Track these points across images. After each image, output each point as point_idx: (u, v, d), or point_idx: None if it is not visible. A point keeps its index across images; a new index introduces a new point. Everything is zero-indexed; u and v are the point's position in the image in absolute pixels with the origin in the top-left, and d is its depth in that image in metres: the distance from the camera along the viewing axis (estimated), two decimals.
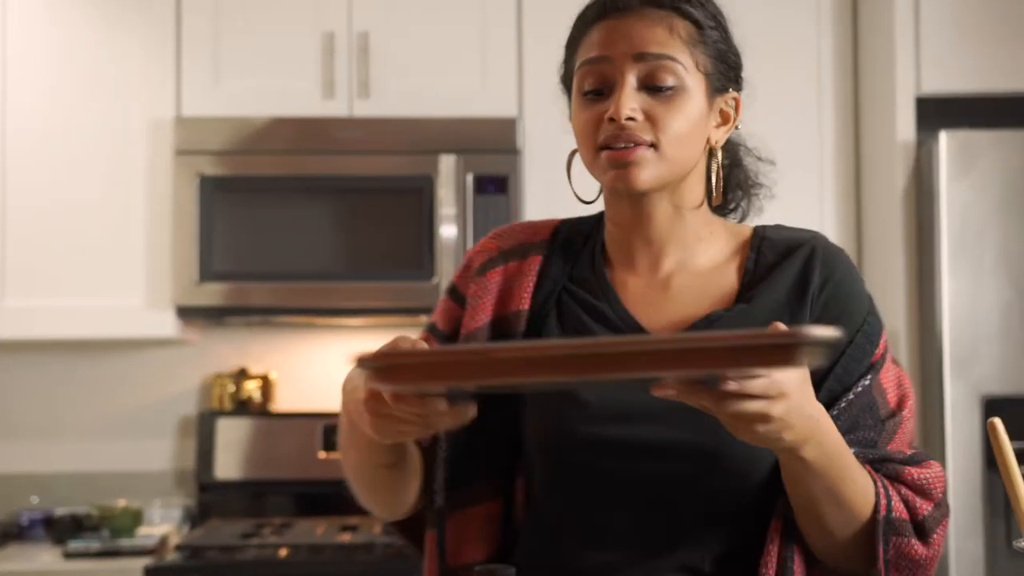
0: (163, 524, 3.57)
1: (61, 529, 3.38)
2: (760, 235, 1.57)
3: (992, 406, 3.04)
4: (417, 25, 3.50)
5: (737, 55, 1.59)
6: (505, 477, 1.54)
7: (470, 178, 3.38)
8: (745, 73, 1.63)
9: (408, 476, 1.50)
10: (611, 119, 1.43)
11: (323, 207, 3.43)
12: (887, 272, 3.34)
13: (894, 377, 1.47)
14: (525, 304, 1.53)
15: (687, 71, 1.46)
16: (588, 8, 1.53)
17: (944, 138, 3.11)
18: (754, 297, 1.48)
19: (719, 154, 1.55)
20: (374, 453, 1.43)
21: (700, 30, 1.50)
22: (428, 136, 3.42)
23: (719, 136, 1.55)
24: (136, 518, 3.37)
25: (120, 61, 3.47)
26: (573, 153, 1.57)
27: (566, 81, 1.57)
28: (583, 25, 1.52)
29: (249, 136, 3.41)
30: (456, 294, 1.60)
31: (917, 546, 1.37)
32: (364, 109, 3.48)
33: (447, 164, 3.38)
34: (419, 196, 3.37)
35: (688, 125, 1.46)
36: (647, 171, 1.44)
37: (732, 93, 1.56)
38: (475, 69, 3.48)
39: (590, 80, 1.48)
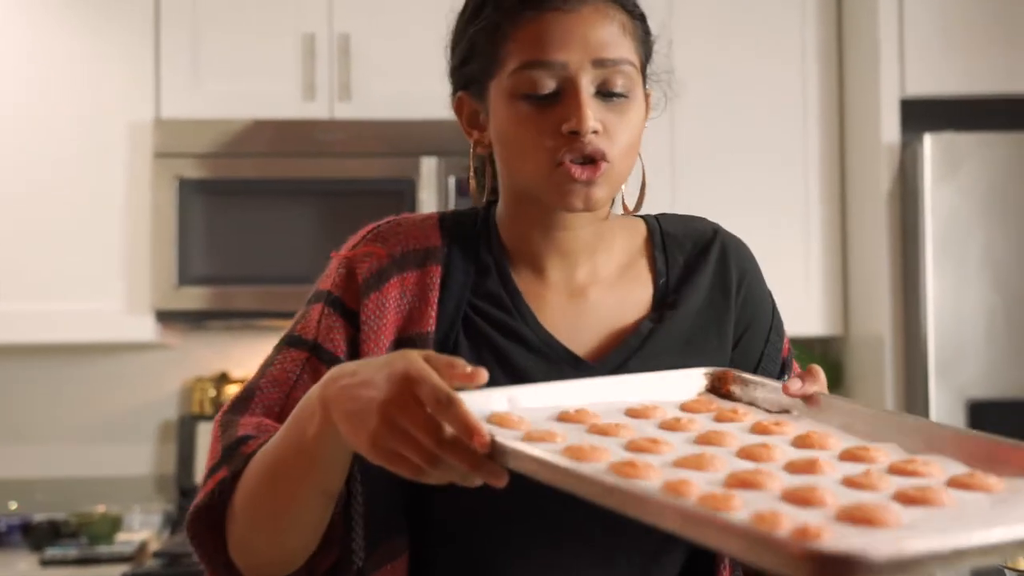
0: (143, 530, 3.54)
1: (39, 536, 3.34)
2: (658, 230, 1.46)
3: (977, 410, 3.02)
4: (398, 27, 3.47)
5: (654, 43, 1.42)
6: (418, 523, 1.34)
7: (452, 181, 3.35)
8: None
9: (326, 518, 1.27)
10: (573, 132, 1.27)
11: (304, 210, 3.40)
12: (872, 275, 3.32)
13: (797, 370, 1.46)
14: (431, 325, 1.34)
15: (636, 73, 1.33)
16: None
17: (929, 141, 3.09)
18: (678, 302, 1.40)
19: (642, 158, 1.42)
20: (327, 473, 1.19)
21: (639, 23, 1.36)
22: (409, 138, 3.39)
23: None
24: (114, 524, 3.33)
25: (99, 64, 3.44)
26: (474, 156, 1.44)
27: (470, 74, 1.38)
28: (515, 13, 1.32)
29: (229, 138, 3.37)
30: (344, 309, 1.36)
31: None
32: (345, 111, 3.46)
33: (428, 166, 3.36)
34: (400, 199, 3.34)
35: (635, 135, 1.33)
36: (604, 189, 1.31)
37: (648, 89, 1.41)
38: None
39: (538, 84, 1.29)
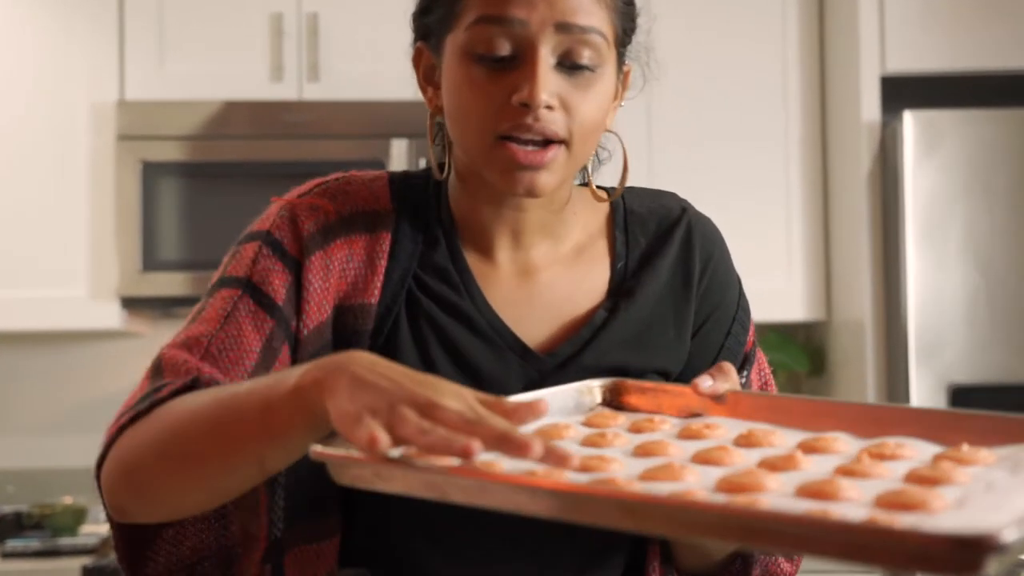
0: (107, 522, 3.45)
1: (3, 528, 3.27)
2: (622, 207, 1.34)
3: (958, 394, 2.95)
4: (368, 6, 3.39)
5: (636, 15, 1.27)
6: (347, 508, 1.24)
7: (423, 163, 3.28)
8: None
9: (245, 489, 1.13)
10: (523, 104, 1.14)
11: (272, 193, 3.30)
12: (853, 258, 3.25)
13: (759, 367, 1.36)
14: (375, 296, 1.23)
15: (607, 46, 1.19)
16: None
17: (909, 118, 3.02)
18: (635, 289, 1.29)
19: (623, 141, 1.30)
20: (279, 450, 1.03)
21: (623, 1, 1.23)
22: (379, 120, 3.32)
23: (612, 117, 1.27)
24: (78, 516, 3.26)
25: (62, 45, 3.36)
26: (434, 120, 1.30)
27: (429, 25, 1.25)
28: None
29: (195, 121, 3.29)
30: (283, 253, 1.23)
31: (783, 564, 1.32)
32: (314, 92, 3.38)
33: (399, 148, 3.28)
34: None
35: (600, 114, 1.20)
36: (555, 175, 1.17)
37: (625, 67, 1.28)
38: None
39: (493, 43, 1.15)
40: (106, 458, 1.14)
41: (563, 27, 1.15)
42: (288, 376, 1.00)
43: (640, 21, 1.28)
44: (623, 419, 1.12)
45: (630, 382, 1.19)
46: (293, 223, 1.23)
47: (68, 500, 3.38)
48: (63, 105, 3.34)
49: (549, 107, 1.14)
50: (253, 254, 1.23)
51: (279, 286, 1.21)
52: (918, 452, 0.97)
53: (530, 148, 1.15)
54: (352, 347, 1.19)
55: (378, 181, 1.30)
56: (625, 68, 1.28)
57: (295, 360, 1.19)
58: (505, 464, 0.91)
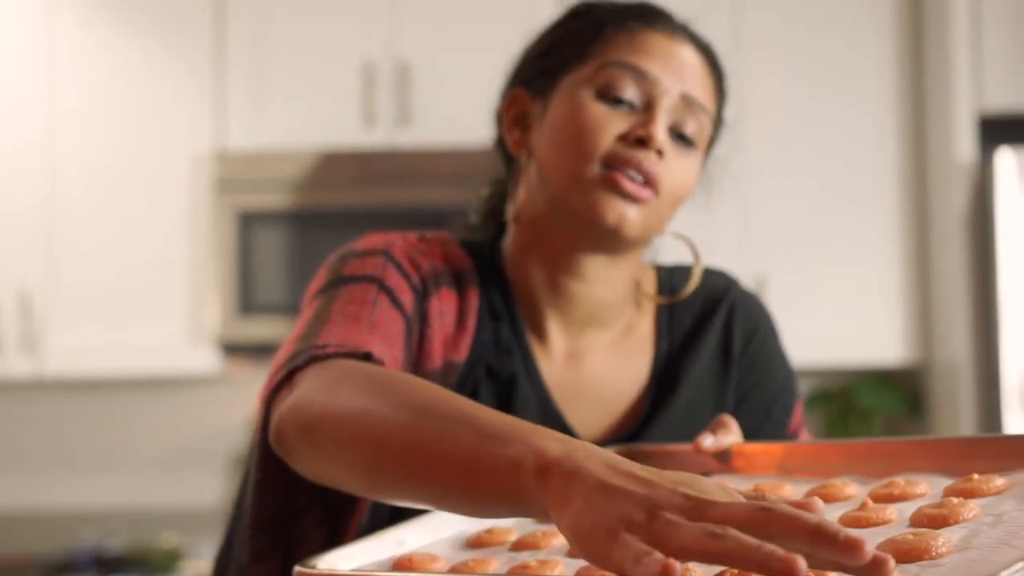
0: (210, 561, 3.52)
1: (105, 565, 3.35)
2: (668, 287, 1.33)
3: None
4: (458, 51, 3.44)
5: (716, 141, 1.31)
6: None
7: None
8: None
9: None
10: (640, 140, 1.16)
11: None
12: (950, 298, 3.18)
13: None
14: (463, 355, 1.20)
15: (708, 132, 1.24)
16: (626, 5, 1.26)
17: (1004, 155, 2.96)
18: (679, 375, 1.26)
19: (694, 242, 1.29)
20: (470, 510, 0.86)
21: (719, 95, 1.27)
22: (471, 165, 3.34)
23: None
24: (174, 555, 3.32)
25: (163, 95, 3.45)
26: (510, 160, 1.29)
27: (548, 66, 1.25)
28: (617, 18, 1.24)
29: (289, 169, 3.36)
30: (410, 279, 1.19)
31: None
32: (406, 138, 3.42)
33: None
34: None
35: (687, 189, 1.22)
36: (643, 220, 1.18)
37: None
38: None
39: (622, 86, 1.19)
40: (280, 389, 1.03)
41: (687, 99, 1.20)
42: (512, 441, 0.80)
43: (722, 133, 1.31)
44: None
45: (634, 447, 1.16)
46: (409, 257, 1.21)
47: (168, 539, 3.45)
48: (165, 155, 3.44)
49: (660, 152, 1.17)
50: (381, 262, 1.18)
51: (407, 302, 1.17)
52: (929, 487, 0.93)
53: (635, 182, 1.17)
54: None
55: (444, 240, 1.28)
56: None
57: None
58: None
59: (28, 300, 3.41)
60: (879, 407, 3.48)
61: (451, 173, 3.35)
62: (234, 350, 3.42)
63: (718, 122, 1.28)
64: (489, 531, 0.97)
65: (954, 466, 0.95)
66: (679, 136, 1.20)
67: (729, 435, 1.07)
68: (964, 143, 3.12)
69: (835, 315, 3.34)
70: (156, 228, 3.43)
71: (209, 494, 3.75)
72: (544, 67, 1.26)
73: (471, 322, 1.21)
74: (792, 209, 3.39)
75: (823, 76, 3.44)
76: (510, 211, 1.27)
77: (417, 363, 1.17)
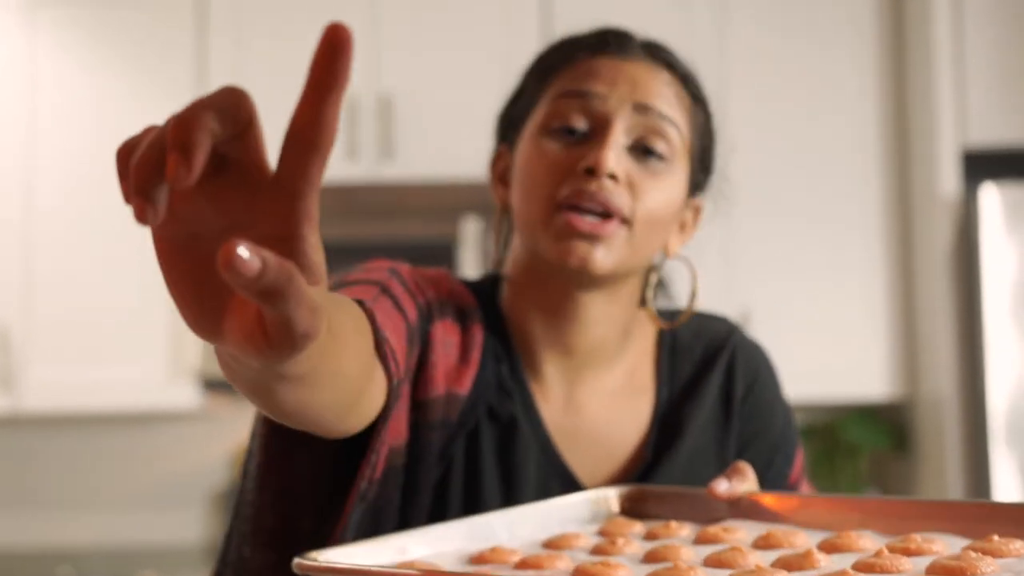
0: None
1: None
2: (672, 332, 1.29)
3: None
4: (441, 86, 3.43)
5: (714, 157, 1.27)
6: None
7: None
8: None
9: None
10: (588, 170, 1.11)
11: (348, 269, 3.35)
12: (936, 335, 3.17)
13: None
14: (466, 389, 1.15)
15: (681, 146, 1.18)
16: (577, 38, 1.22)
17: (988, 191, 2.95)
18: (680, 424, 1.23)
19: (660, 268, 1.25)
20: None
21: (699, 108, 1.22)
22: (452, 198, 3.33)
23: (674, 244, 1.24)
24: None
25: (144, 125, 3.43)
26: (502, 214, 1.26)
27: (514, 116, 1.23)
28: (566, 54, 1.20)
29: None
30: (416, 296, 1.15)
31: None
32: (388, 171, 3.41)
33: (472, 226, 3.29)
34: (442, 258, 3.27)
35: (667, 210, 1.16)
36: (612, 254, 1.13)
37: (698, 199, 1.26)
38: None
39: (568, 116, 1.15)
40: None
41: (641, 108, 1.15)
42: None
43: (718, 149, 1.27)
44: (639, 527, 1.06)
45: (647, 488, 1.13)
46: (415, 281, 1.17)
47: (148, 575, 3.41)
48: None
49: (614, 177, 1.12)
50: (386, 275, 1.13)
51: (410, 311, 1.12)
52: (947, 547, 0.91)
53: (590, 218, 1.12)
54: (430, 439, 1.13)
55: (454, 279, 1.25)
56: (697, 202, 1.25)
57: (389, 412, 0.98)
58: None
59: (6, 335, 3.37)
60: (865, 442, 3.46)
61: (434, 207, 3.34)
62: (214, 386, 3.39)
63: (708, 133, 1.23)
64: (493, 550, 0.96)
65: (973, 528, 0.94)
66: (645, 151, 1.15)
67: (744, 482, 1.05)
68: (948, 178, 3.11)
69: (820, 350, 3.32)
70: (136, 262, 3.39)
71: (189, 531, 3.71)
72: (511, 118, 1.24)
73: (475, 356, 1.17)
74: (776, 243, 3.38)
75: (807, 114, 3.44)
76: (506, 264, 1.25)
77: (417, 384, 1.13)
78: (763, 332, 3.00)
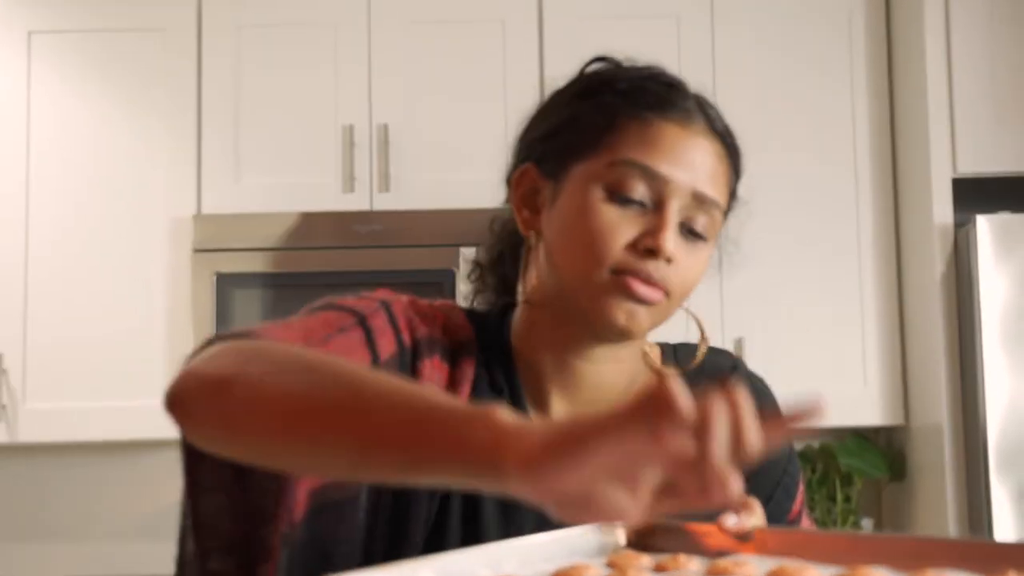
0: None
1: None
2: (673, 365, 1.33)
3: None
4: (437, 117, 3.45)
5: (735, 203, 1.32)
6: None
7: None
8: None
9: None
10: (649, 250, 1.17)
11: None
12: (929, 362, 3.18)
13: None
14: None
15: (719, 222, 1.24)
16: (642, 85, 1.24)
17: (982, 222, 2.98)
18: None
19: (701, 319, 1.31)
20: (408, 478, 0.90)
21: (735, 177, 1.27)
22: (449, 228, 3.35)
23: None
24: None
25: (143, 159, 3.45)
26: (527, 244, 1.27)
27: (559, 145, 1.25)
28: (632, 103, 1.22)
29: (268, 233, 3.35)
30: (399, 336, 1.20)
31: None
32: (385, 202, 3.42)
33: (469, 257, 3.31)
34: (440, 289, 3.29)
35: (699, 280, 1.24)
36: (651, 319, 1.20)
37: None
38: (496, 160, 3.40)
39: (632, 186, 1.19)
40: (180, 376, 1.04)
41: (698, 197, 1.20)
42: (458, 405, 0.85)
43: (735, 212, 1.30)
44: (647, 559, 1.07)
45: (654, 521, 1.13)
46: (408, 317, 1.21)
47: None
48: (144, 220, 3.42)
49: (669, 260, 1.18)
50: (374, 307, 1.19)
51: (386, 350, 1.16)
52: None
53: (645, 289, 1.18)
54: None
55: (451, 310, 1.28)
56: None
57: None
58: None
59: (1, 366, 3.38)
60: (860, 470, 3.47)
61: (428, 236, 3.35)
62: None
63: (732, 200, 1.28)
64: None
65: (987, 567, 0.94)
66: (689, 231, 1.21)
67: (752, 517, 1.06)
68: (941, 206, 3.13)
69: (814, 378, 3.33)
70: (133, 292, 3.40)
71: None
72: (555, 149, 1.25)
73: (464, 391, 1.20)
74: (769, 272, 3.40)
75: (799, 143, 3.46)
76: (522, 291, 1.27)
77: None
78: (757, 361, 3.00)
